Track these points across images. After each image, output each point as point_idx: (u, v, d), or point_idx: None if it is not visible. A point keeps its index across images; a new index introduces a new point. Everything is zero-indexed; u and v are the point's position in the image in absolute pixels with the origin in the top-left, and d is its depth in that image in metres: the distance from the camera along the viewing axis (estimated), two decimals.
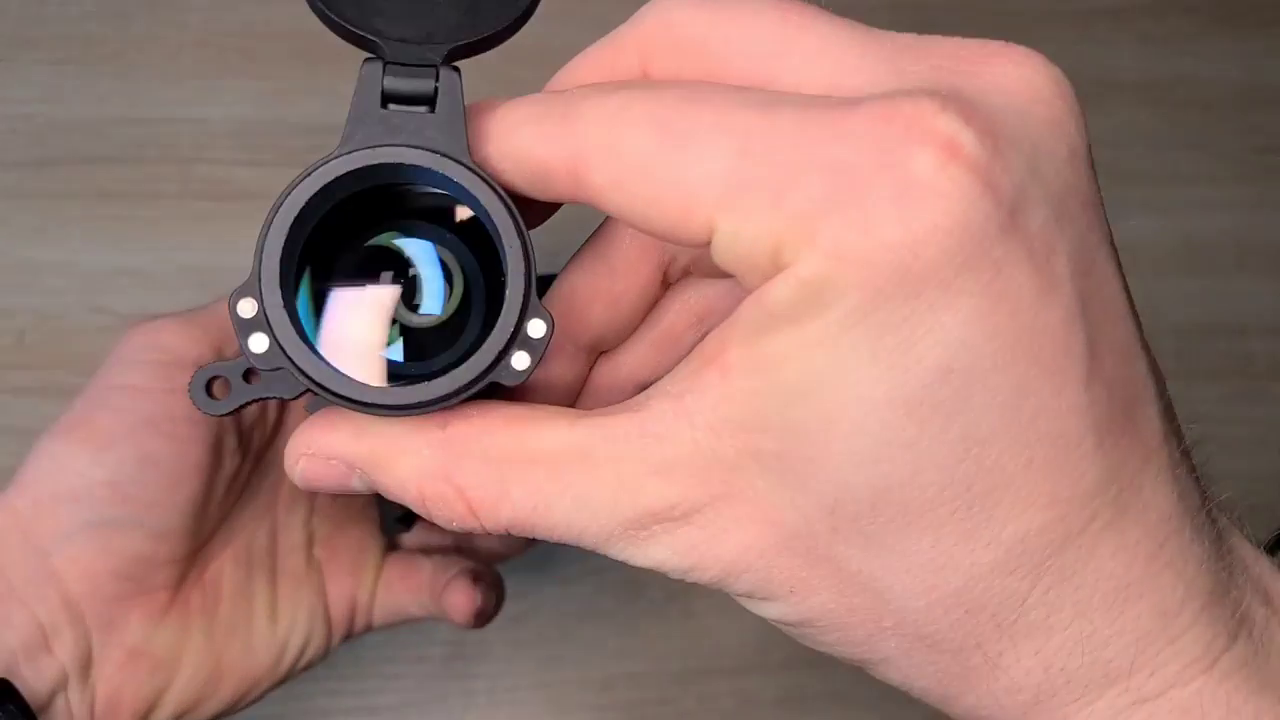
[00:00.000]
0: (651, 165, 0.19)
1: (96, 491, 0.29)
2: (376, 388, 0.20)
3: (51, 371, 0.46)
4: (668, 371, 0.25)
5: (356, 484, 0.21)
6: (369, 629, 0.36)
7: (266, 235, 0.20)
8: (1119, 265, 0.20)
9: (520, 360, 0.20)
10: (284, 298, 0.20)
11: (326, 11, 0.20)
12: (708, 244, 0.19)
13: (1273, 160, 0.56)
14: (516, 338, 0.20)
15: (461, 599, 0.35)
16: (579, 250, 0.24)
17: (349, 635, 0.35)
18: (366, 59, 0.20)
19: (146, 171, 0.49)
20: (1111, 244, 0.20)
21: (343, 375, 0.20)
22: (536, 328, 0.20)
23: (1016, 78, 0.19)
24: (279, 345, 0.20)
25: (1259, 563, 0.21)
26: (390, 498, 0.21)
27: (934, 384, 0.17)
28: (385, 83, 0.20)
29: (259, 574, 0.33)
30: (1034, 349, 0.17)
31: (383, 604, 0.36)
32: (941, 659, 0.20)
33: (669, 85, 0.19)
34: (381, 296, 0.22)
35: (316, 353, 0.20)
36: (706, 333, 0.24)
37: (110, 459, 0.29)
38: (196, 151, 0.49)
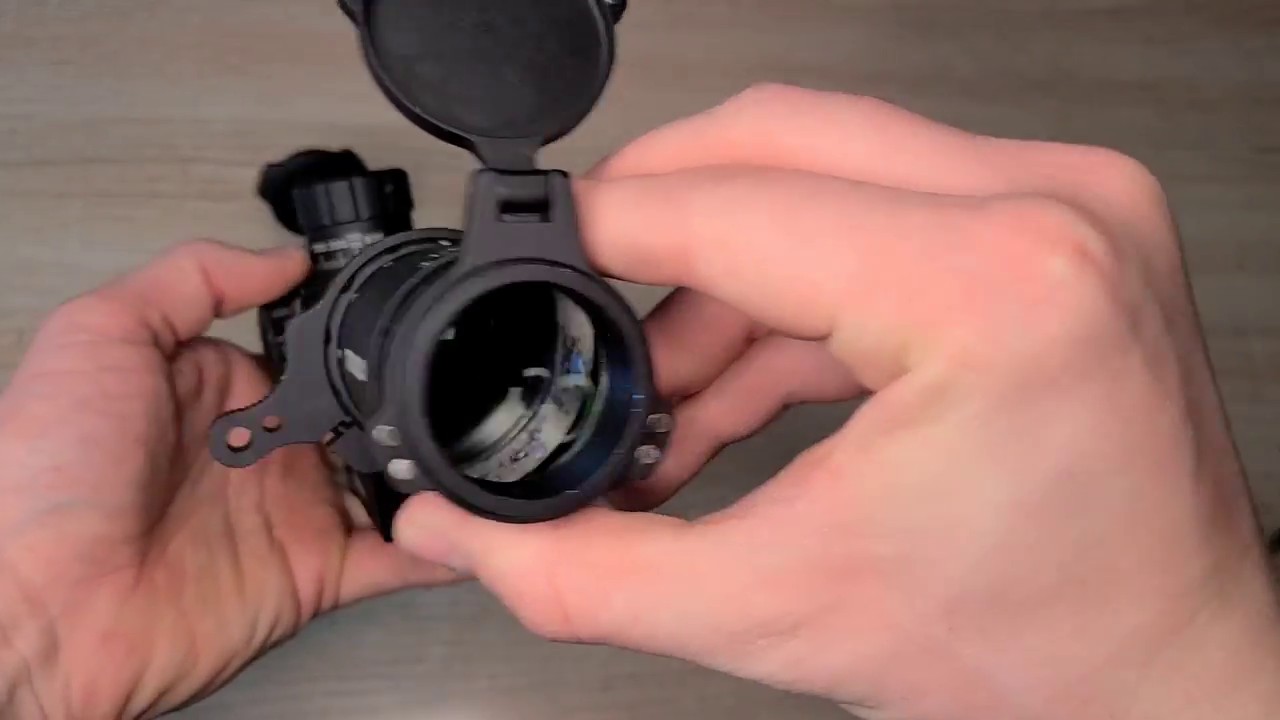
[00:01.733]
0: (772, 259, 0.19)
1: (40, 479, 0.29)
2: (516, 503, 0.20)
3: None
4: (746, 427, 0.25)
5: (456, 562, 0.22)
6: (337, 605, 0.36)
7: (407, 363, 0.19)
8: (1212, 370, 0.20)
9: (649, 455, 0.21)
10: (428, 424, 0.19)
11: (413, 109, 0.20)
12: (823, 337, 0.19)
13: (1273, 160, 0.56)
14: (643, 439, 0.21)
15: None
16: (667, 300, 0.24)
17: (318, 610, 0.36)
18: (480, 170, 0.20)
19: (146, 171, 0.49)
20: (1205, 350, 0.20)
21: (487, 494, 0.20)
22: (663, 423, 0.21)
23: (1123, 189, 0.19)
24: (426, 472, 0.20)
25: None
26: (485, 584, 0.21)
27: (1053, 488, 0.18)
28: (500, 192, 0.20)
29: (220, 555, 0.34)
30: (1148, 453, 0.18)
31: (352, 579, 0.36)
32: None
33: (784, 177, 0.19)
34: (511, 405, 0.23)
35: (463, 475, 0.20)
36: (786, 394, 0.25)
37: (48, 445, 0.29)
38: (196, 151, 0.49)
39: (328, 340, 0.27)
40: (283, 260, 0.34)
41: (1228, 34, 0.58)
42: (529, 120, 0.21)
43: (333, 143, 0.50)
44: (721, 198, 0.19)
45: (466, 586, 0.45)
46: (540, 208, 0.20)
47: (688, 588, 0.20)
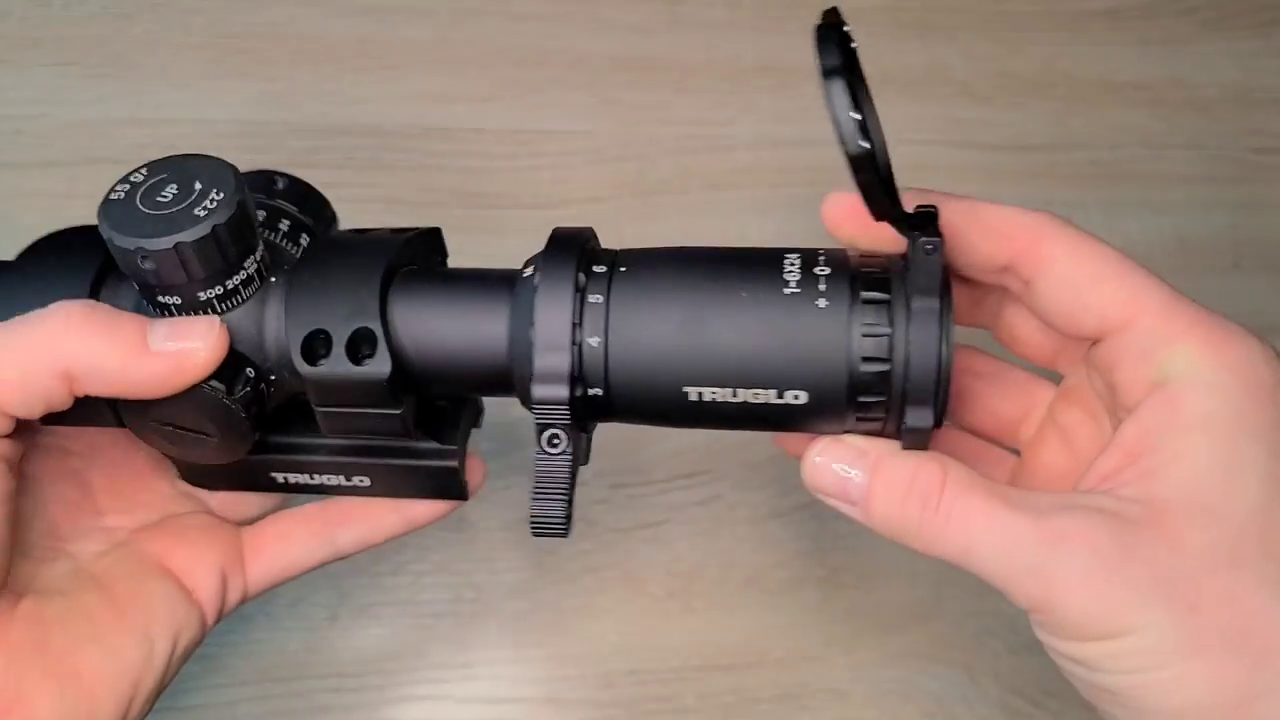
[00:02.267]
0: (1108, 265, 0.28)
1: None
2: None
3: None
4: None
5: (852, 491, 0.28)
6: (246, 595, 0.35)
7: (942, 374, 0.27)
8: None
9: None
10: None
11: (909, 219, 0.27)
12: (1101, 336, 0.29)
13: (1269, 160, 0.57)
14: None
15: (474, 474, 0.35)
16: None
17: (225, 605, 0.34)
18: (932, 246, 0.26)
19: None
20: None
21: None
22: None
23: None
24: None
25: None
26: (868, 498, 0.28)
27: None
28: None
29: (83, 593, 0.31)
30: None
31: (260, 565, 0.35)
32: None
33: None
34: None
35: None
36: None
37: None
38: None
39: (574, 385, 0.28)
40: (183, 358, 0.28)
41: (1223, 36, 0.59)
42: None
43: (337, 144, 0.50)
44: (1067, 223, 0.29)
45: (468, 585, 0.45)
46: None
47: (1028, 499, 0.27)
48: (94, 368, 0.27)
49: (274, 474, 0.34)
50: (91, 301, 0.29)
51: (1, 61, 0.50)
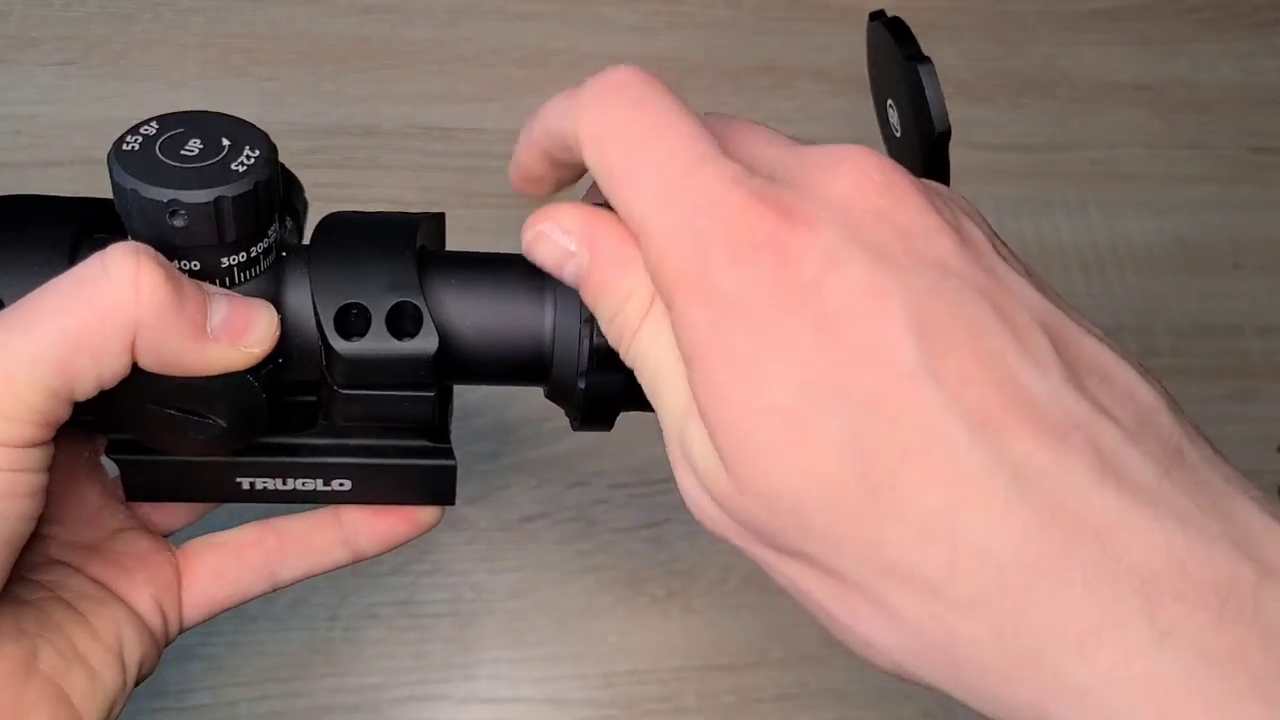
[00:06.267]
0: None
1: None
2: None
3: None
4: None
5: (569, 272, 0.25)
6: (182, 627, 0.32)
7: None
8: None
9: None
10: None
11: None
12: None
13: (1268, 160, 0.57)
14: None
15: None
16: None
17: (168, 637, 0.31)
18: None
19: None
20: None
21: None
22: None
23: None
24: None
25: None
26: (593, 286, 0.24)
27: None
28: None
29: (53, 609, 0.28)
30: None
31: (193, 598, 0.32)
32: None
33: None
34: None
35: None
36: None
37: None
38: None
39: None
40: (239, 350, 0.25)
41: (1224, 36, 0.59)
42: None
43: (336, 144, 0.50)
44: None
45: (467, 585, 0.45)
46: None
47: None
48: (155, 346, 0.24)
49: (241, 479, 0.30)
50: (154, 252, 0.24)
51: (1, 61, 0.50)
